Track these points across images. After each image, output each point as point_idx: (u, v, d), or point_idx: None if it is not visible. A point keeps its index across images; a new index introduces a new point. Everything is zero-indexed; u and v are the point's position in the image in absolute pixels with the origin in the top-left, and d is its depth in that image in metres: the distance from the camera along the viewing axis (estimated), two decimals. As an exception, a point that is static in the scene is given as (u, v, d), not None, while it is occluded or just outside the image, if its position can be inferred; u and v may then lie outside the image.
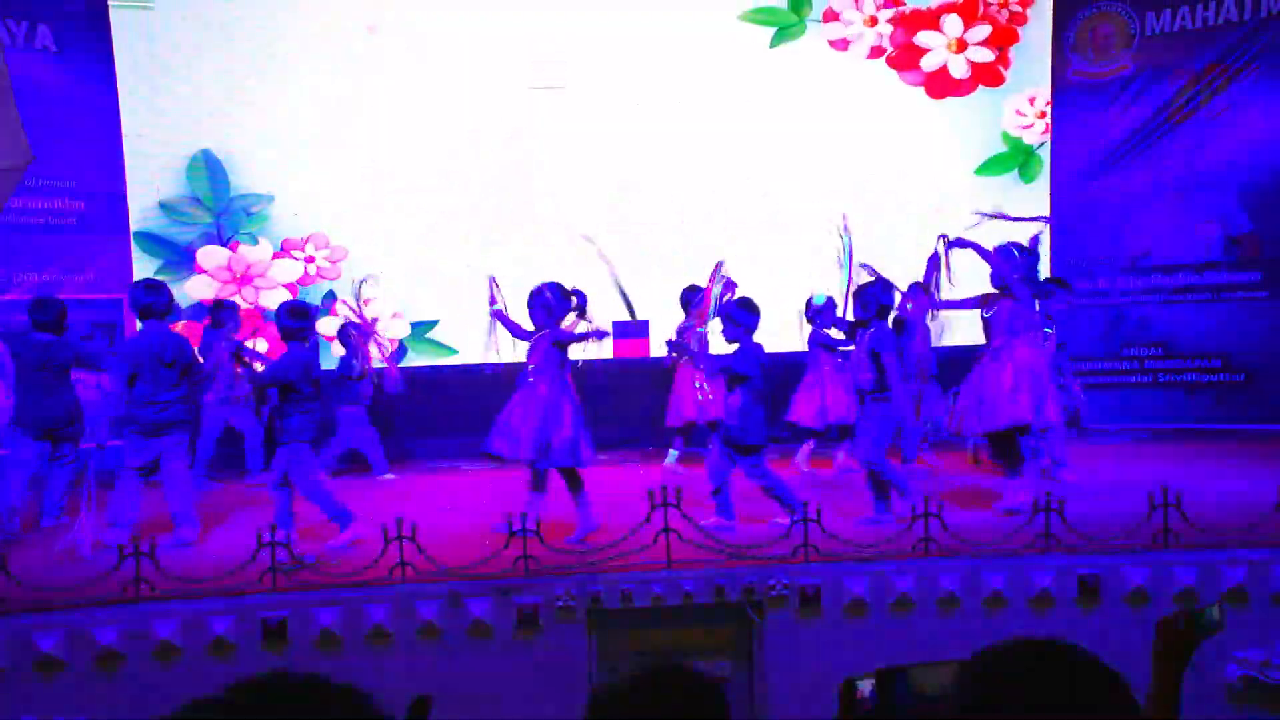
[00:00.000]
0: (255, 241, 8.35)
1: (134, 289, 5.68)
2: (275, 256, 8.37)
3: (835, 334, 6.95)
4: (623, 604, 4.44)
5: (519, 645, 4.41)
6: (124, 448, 5.55)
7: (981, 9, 8.79)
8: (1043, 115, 8.89)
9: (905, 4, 8.79)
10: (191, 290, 8.24)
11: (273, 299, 8.22)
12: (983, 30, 8.80)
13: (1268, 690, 4.29)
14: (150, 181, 8.16)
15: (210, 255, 8.25)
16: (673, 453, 7.45)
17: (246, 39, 8.22)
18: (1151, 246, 8.84)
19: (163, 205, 8.20)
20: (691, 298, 7.21)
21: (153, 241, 8.21)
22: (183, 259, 8.26)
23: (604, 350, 8.11)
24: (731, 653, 4.53)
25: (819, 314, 7.04)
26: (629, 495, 5.96)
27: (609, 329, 8.00)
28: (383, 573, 4.45)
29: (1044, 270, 7.02)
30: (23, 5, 7.74)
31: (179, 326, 8.10)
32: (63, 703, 4.05)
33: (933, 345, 7.01)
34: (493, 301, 5.68)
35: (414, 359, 8.54)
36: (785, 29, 8.74)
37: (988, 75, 8.85)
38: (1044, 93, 8.89)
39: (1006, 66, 8.87)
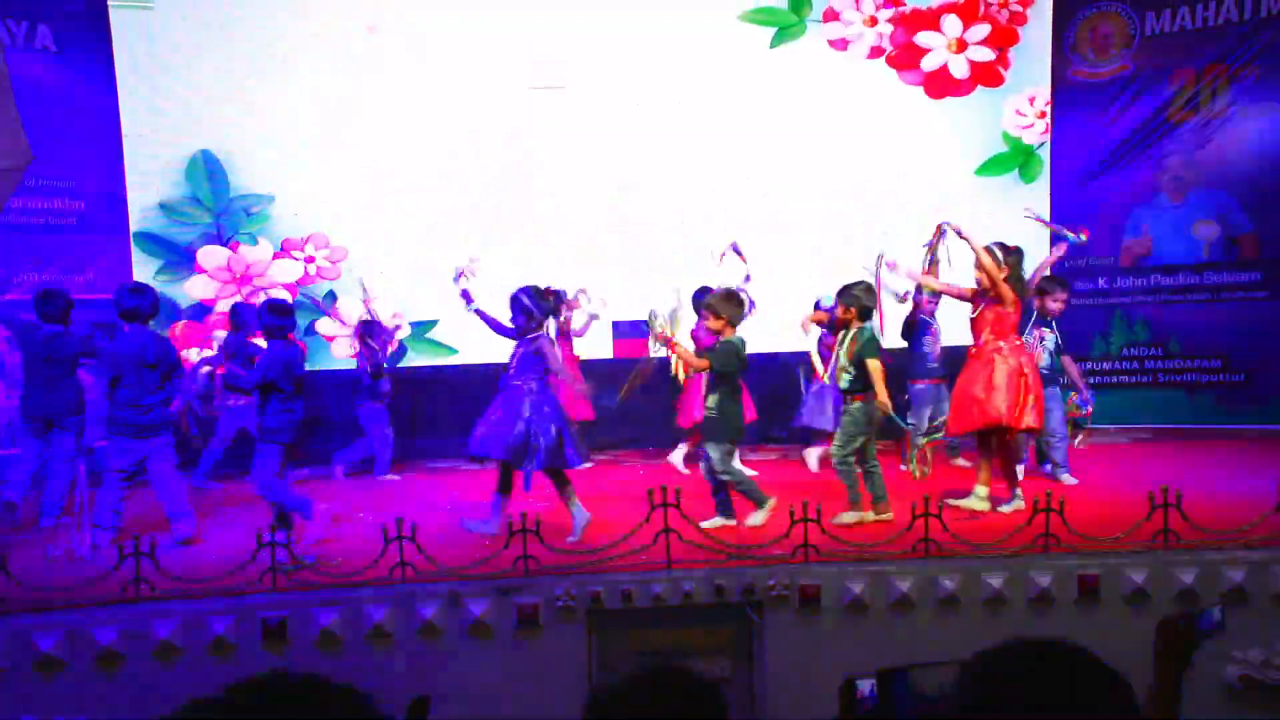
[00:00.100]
0: (255, 241, 8.34)
1: (118, 292, 5.72)
2: (275, 256, 8.37)
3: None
4: (623, 604, 4.44)
5: (519, 645, 4.41)
6: (108, 449, 5.56)
7: (982, 9, 8.79)
8: (1043, 115, 8.89)
9: (905, 4, 8.79)
10: (191, 290, 8.23)
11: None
12: (982, 30, 8.80)
13: (1268, 690, 4.29)
14: (150, 181, 8.15)
15: (210, 255, 8.25)
16: (680, 449, 7.41)
17: (246, 39, 8.22)
18: (1151, 246, 8.85)
19: (163, 205, 8.19)
20: (703, 299, 7.22)
21: (153, 241, 8.21)
22: (183, 259, 8.26)
23: (605, 350, 8.18)
24: (731, 653, 4.53)
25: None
26: (632, 495, 5.97)
27: (608, 330, 8.08)
28: (383, 573, 4.45)
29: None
30: (23, 5, 7.74)
31: (179, 327, 8.14)
32: (63, 703, 4.05)
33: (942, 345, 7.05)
34: (468, 300, 5.67)
35: (414, 359, 8.55)
36: (785, 29, 8.74)
37: (987, 75, 8.85)
38: (1044, 93, 8.89)
39: (1006, 67, 8.87)
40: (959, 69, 8.83)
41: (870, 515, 5.40)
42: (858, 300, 5.50)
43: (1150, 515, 4.65)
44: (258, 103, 8.25)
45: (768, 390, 7.43)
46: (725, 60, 8.64)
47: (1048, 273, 6.61)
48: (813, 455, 7.21)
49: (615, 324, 8.21)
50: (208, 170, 8.22)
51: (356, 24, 8.38)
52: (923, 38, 8.81)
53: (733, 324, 5.52)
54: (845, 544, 4.68)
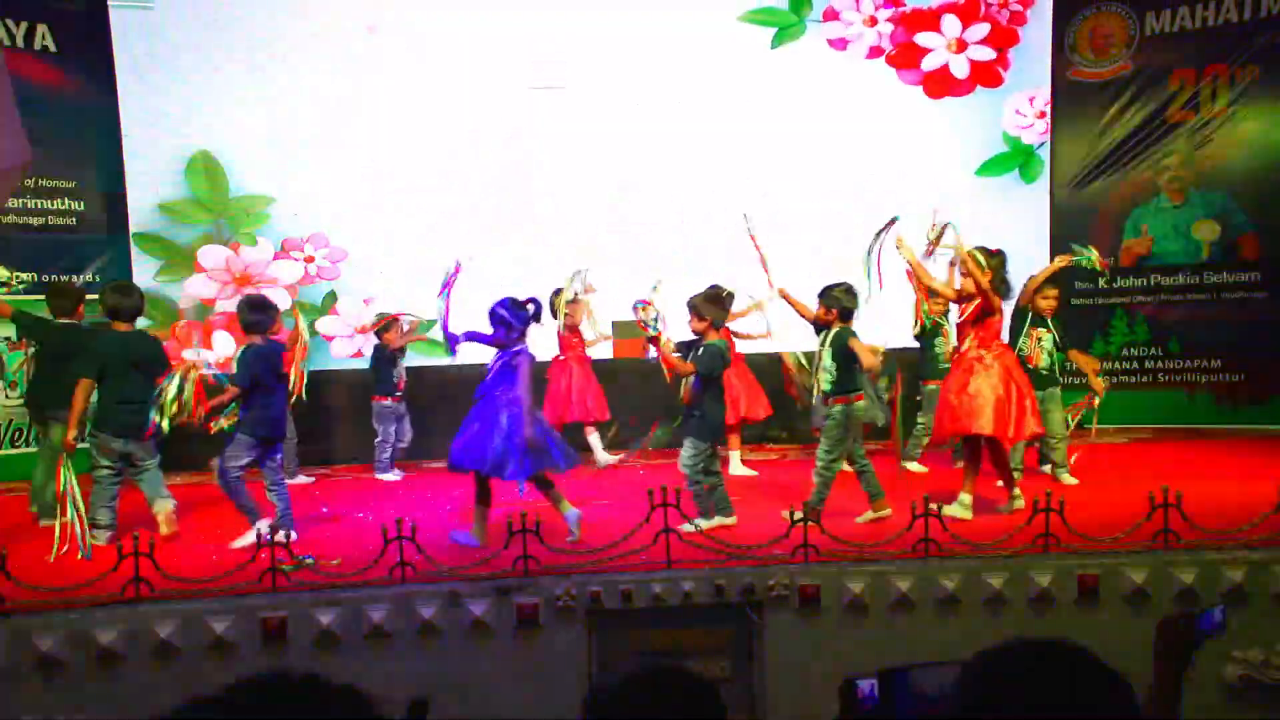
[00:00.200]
0: (255, 241, 8.34)
1: (103, 291, 5.75)
2: (275, 256, 8.37)
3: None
4: (622, 604, 4.44)
5: (519, 645, 4.41)
6: (97, 447, 5.56)
7: (982, 9, 8.79)
8: (1043, 115, 8.89)
9: (906, 4, 8.80)
10: (191, 290, 8.23)
11: (273, 299, 8.20)
12: (982, 29, 8.80)
13: (1268, 690, 4.29)
14: (150, 181, 8.15)
15: (210, 255, 8.25)
16: (734, 454, 7.34)
17: (246, 39, 8.22)
18: (1151, 246, 8.86)
19: (163, 206, 8.19)
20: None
21: (153, 242, 8.20)
22: (183, 259, 8.25)
23: (605, 350, 8.18)
24: (731, 653, 4.53)
25: None
26: (632, 495, 5.97)
27: (609, 330, 8.07)
28: (383, 573, 4.45)
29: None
30: (23, 5, 7.74)
31: (179, 327, 8.14)
32: (63, 703, 4.05)
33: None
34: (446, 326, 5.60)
35: (414, 359, 8.53)
36: (785, 29, 8.74)
37: (987, 76, 8.85)
38: (1044, 93, 8.89)
39: (1006, 67, 8.88)
40: (959, 69, 8.83)
41: (870, 514, 5.42)
42: (838, 301, 5.50)
43: (1150, 515, 4.65)
44: (258, 103, 8.24)
45: (769, 391, 7.41)
46: (725, 60, 8.65)
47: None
48: None
49: (615, 324, 8.20)
50: (208, 170, 8.22)
51: (356, 24, 8.38)
52: (923, 38, 8.82)
53: (715, 326, 5.48)
54: (845, 544, 4.68)
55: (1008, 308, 5.85)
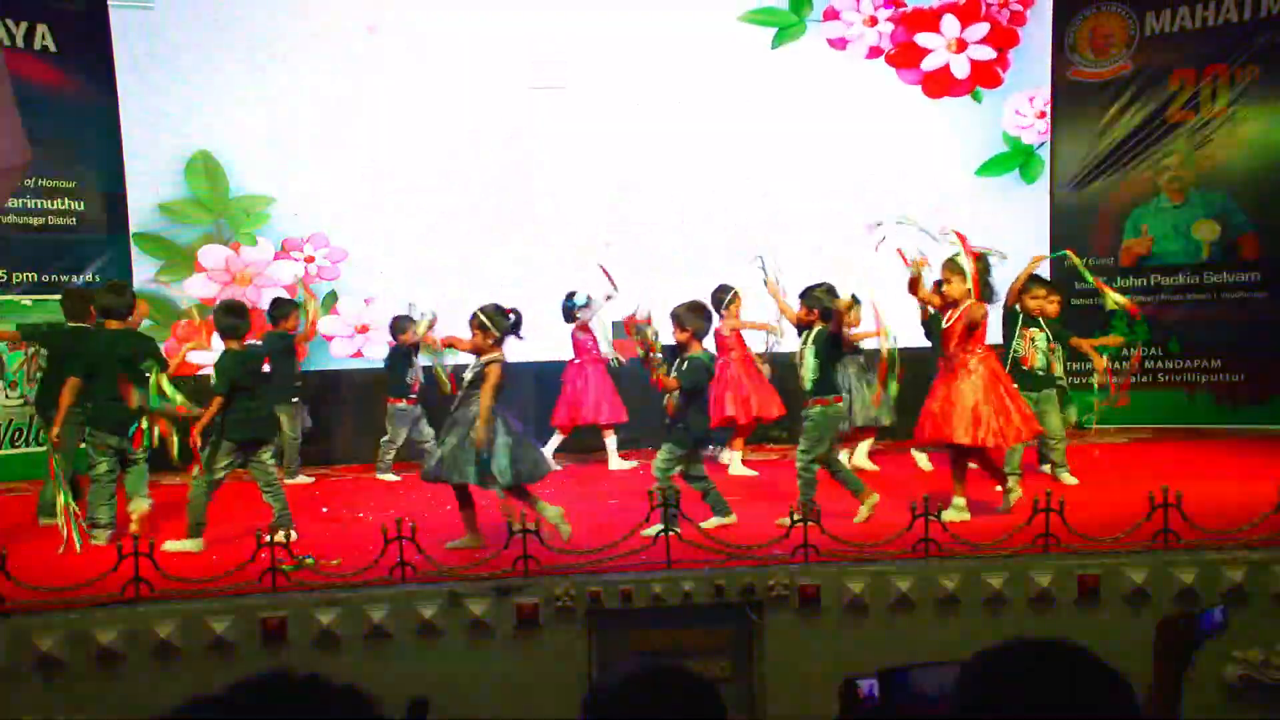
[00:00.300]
0: (255, 241, 8.34)
1: (99, 291, 5.77)
2: (275, 256, 8.37)
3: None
4: (622, 604, 4.44)
5: (519, 645, 4.41)
6: (92, 446, 5.56)
7: (983, 9, 8.79)
8: (1043, 115, 8.89)
9: (906, 4, 8.80)
10: (191, 290, 8.23)
11: (273, 299, 8.21)
12: (982, 29, 8.80)
13: (1268, 690, 4.29)
14: (150, 181, 8.14)
15: (210, 255, 8.25)
16: (735, 455, 7.35)
17: (246, 39, 8.21)
18: (1151, 246, 8.86)
19: (163, 206, 8.19)
20: (722, 298, 7.22)
21: (153, 242, 8.20)
22: (183, 259, 8.25)
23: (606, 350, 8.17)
24: (731, 653, 4.53)
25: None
26: (632, 495, 5.97)
27: (610, 330, 8.06)
28: (383, 573, 4.45)
29: (1042, 271, 7.01)
30: (23, 5, 7.74)
31: (179, 326, 8.13)
32: (63, 703, 4.05)
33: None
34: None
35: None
36: (785, 29, 8.74)
37: (986, 77, 8.85)
38: (1044, 93, 8.89)
39: (1005, 68, 8.87)
40: (959, 69, 8.83)
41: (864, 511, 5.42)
42: (819, 301, 5.49)
43: (1150, 515, 4.65)
44: (258, 103, 8.24)
45: (781, 391, 7.40)
46: (725, 60, 8.64)
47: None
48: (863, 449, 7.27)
49: (615, 324, 8.20)
50: (208, 170, 8.21)
51: (356, 24, 8.37)
52: (923, 38, 8.82)
53: (698, 337, 5.43)
54: (845, 544, 4.68)
55: (996, 311, 5.81)
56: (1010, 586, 4.51)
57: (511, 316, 5.26)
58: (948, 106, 8.88)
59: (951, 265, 5.39)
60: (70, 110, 7.88)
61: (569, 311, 7.55)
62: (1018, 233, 8.05)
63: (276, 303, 7.46)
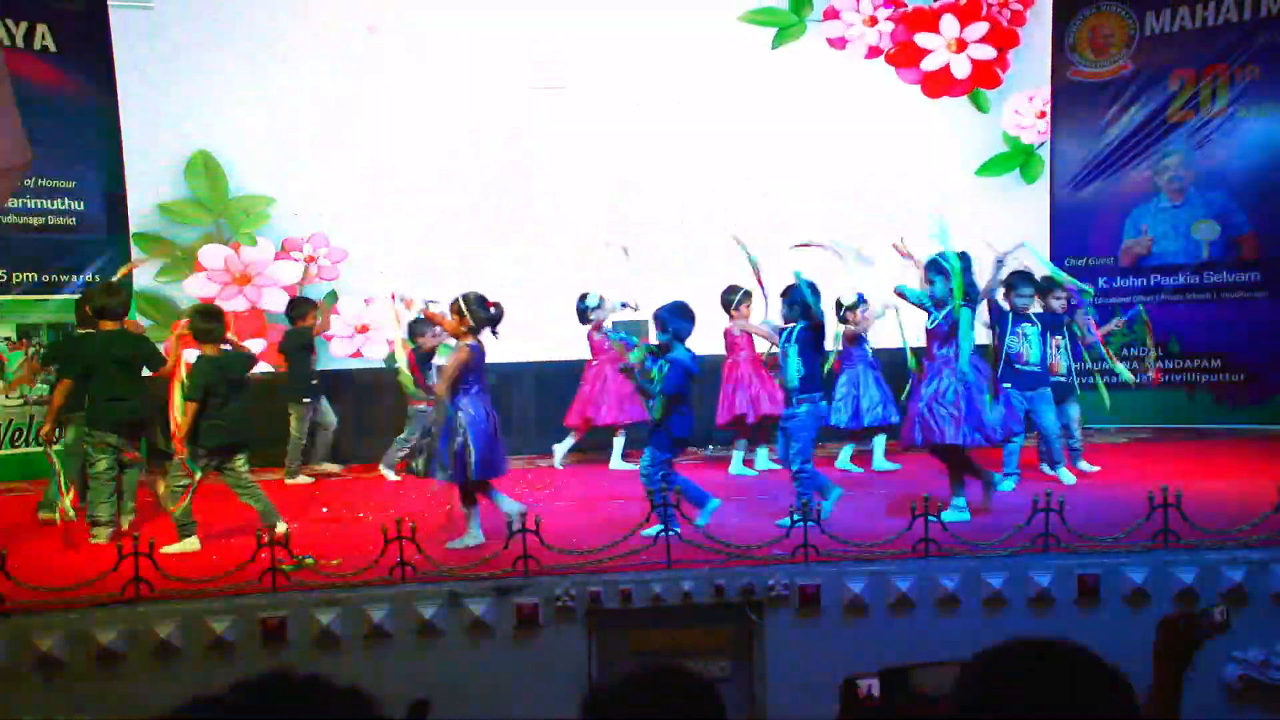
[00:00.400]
0: (255, 241, 8.34)
1: (93, 292, 5.78)
2: (275, 256, 8.37)
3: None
4: (622, 604, 4.44)
5: (519, 645, 4.41)
6: (91, 446, 5.56)
7: (984, 9, 8.79)
8: (1042, 115, 8.89)
9: (906, 4, 8.80)
10: (191, 290, 8.22)
11: (273, 299, 8.22)
12: (981, 29, 8.80)
13: (1268, 690, 4.29)
14: (150, 182, 8.14)
15: (210, 255, 8.24)
16: (736, 454, 7.35)
17: (246, 39, 8.21)
18: (1151, 246, 8.86)
19: (163, 206, 8.19)
20: (732, 298, 7.21)
21: (153, 242, 8.20)
22: (182, 259, 8.25)
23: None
24: (731, 653, 4.53)
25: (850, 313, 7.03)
26: (632, 495, 5.97)
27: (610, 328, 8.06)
28: (383, 573, 4.45)
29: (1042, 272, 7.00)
30: (23, 5, 7.74)
31: (180, 326, 8.12)
32: (63, 703, 4.05)
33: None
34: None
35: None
36: (785, 29, 8.74)
37: (986, 77, 8.85)
38: (1044, 93, 8.89)
39: (1005, 69, 8.88)
40: (959, 69, 8.84)
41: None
42: (800, 299, 5.49)
43: (1150, 515, 4.65)
44: (258, 103, 8.24)
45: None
46: (725, 60, 8.64)
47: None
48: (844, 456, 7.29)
49: (614, 324, 8.20)
50: (208, 170, 8.21)
51: (356, 24, 8.38)
52: (922, 38, 8.82)
53: (681, 338, 5.33)
54: (845, 544, 4.68)
55: (981, 308, 5.80)
56: (1010, 586, 4.51)
57: (493, 310, 5.24)
58: (948, 106, 8.88)
59: (934, 266, 5.39)
60: (70, 110, 7.88)
61: (583, 313, 7.53)
62: (1018, 233, 7.98)
63: (294, 303, 7.55)
